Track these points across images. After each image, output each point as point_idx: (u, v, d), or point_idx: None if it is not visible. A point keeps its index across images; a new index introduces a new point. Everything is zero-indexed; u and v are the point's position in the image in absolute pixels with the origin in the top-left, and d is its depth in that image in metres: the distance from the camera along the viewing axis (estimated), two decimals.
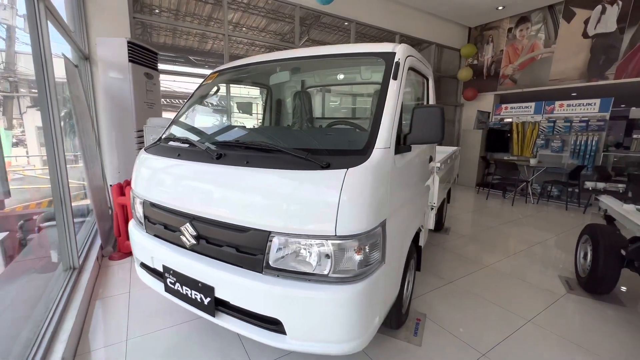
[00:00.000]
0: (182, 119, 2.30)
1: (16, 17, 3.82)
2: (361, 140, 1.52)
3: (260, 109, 3.27)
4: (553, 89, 7.29)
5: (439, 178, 2.82)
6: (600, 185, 4.13)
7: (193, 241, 1.59)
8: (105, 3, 4.20)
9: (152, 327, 2.19)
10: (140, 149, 2.22)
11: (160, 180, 1.85)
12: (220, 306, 1.54)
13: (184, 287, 1.63)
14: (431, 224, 2.87)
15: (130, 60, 3.78)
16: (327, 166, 1.36)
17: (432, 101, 2.62)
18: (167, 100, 12.17)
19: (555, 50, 7.14)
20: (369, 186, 1.37)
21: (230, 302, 1.49)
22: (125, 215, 3.23)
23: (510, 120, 7.67)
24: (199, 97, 2.40)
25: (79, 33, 4.01)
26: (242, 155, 1.57)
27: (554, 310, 2.57)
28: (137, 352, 1.96)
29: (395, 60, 1.73)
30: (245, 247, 1.47)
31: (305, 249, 1.36)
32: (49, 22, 2.40)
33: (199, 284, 1.55)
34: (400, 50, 1.80)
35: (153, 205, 1.83)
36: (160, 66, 4.57)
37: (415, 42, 8.02)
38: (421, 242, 2.47)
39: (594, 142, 6.28)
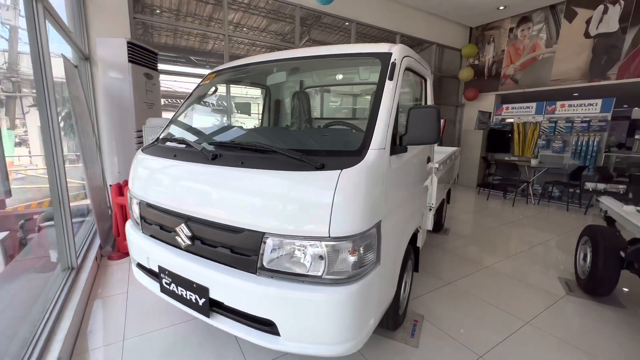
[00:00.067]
0: (179, 120, 2.31)
1: (19, 17, 3.84)
2: (356, 141, 1.52)
3: (258, 109, 3.27)
4: (554, 89, 7.25)
5: (437, 179, 2.81)
6: (601, 186, 4.10)
7: (188, 242, 1.59)
8: (105, 3, 4.21)
9: (150, 327, 2.19)
10: (140, 149, 2.22)
11: (156, 181, 1.85)
12: (214, 307, 1.54)
13: (179, 288, 1.63)
14: (429, 225, 2.86)
15: (130, 61, 3.79)
16: (322, 167, 1.36)
17: (430, 102, 2.61)
18: (169, 100, 12.20)
19: (556, 50, 7.10)
20: (363, 187, 1.36)
21: (225, 303, 1.49)
22: (124, 215, 3.24)
23: (511, 120, 7.64)
24: (197, 98, 2.40)
25: (79, 33, 4.03)
26: (237, 155, 1.57)
27: (553, 312, 2.56)
28: (134, 352, 1.96)
29: (391, 61, 1.73)
30: (239, 248, 1.46)
31: (299, 250, 1.36)
32: (48, 23, 2.42)
33: (194, 285, 1.55)
34: (396, 51, 1.80)
35: (149, 205, 1.83)
36: (162, 66, 4.58)
37: (416, 42, 8.01)
38: (419, 243, 2.46)
39: (595, 142, 6.25)
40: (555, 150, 6.88)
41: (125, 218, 3.24)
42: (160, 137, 2.17)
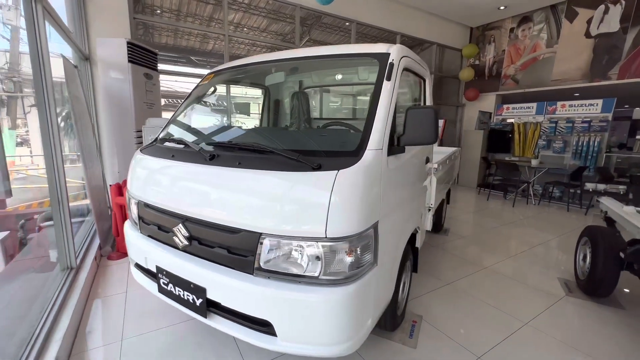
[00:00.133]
0: (177, 120, 2.31)
1: (20, 17, 3.86)
2: (354, 141, 1.51)
3: (256, 109, 3.27)
4: (555, 89, 7.23)
5: (436, 179, 2.81)
6: (601, 186, 4.09)
7: (185, 242, 1.59)
8: (105, 3, 4.22)
9: (148, 327, 2.19)
10: (138, 149, 2.22)
11: (154, 181, 1.85)
12: (212, 307, 1.54)
13: (177, 288, 1.63)
14: (428, 226, 2.86)
15: (129, 61, 3.80)
16: (319, 167, 1.36)
17: (429, 102, 2.60)
18: (170, 100, 12.22)
19: (557, 51, 7.08)
20: (360, 188, 1.36)
21: (222, 304, 1.49)
22: (124, 215, 3.24)
23: (511, 120, 7.63)
24: (195, 98, 2.41)
25: (79, 34, 4.03)
26: (235, 156, 1.57)
27: (552, 313, 2.55)
28: (132, 352, 1.97)
29: (389, 61, 1.72)
30: (236, 249, 1.46)
31: (295, 250, 1.36)
32: (48, 23, 2.42)
33: (191, 285, 1.55)
34: (394, 51, 1.79)
35: (147, 205, 1.84)
36: (162, 66, 4.59)
37: (416, 42, 8.00)
38: (418, 244, 2.46)
39: (596, 142, 6.23)
40: (556, 151, 6.87)
41: (124, 218, 3.24)
42: (159, 137, 2.18)
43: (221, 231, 1.49)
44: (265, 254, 1.39)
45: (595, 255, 2.66)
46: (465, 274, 3.15)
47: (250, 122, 3.80)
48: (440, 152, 4.13)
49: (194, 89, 2.44)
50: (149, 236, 1.86)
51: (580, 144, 6.45)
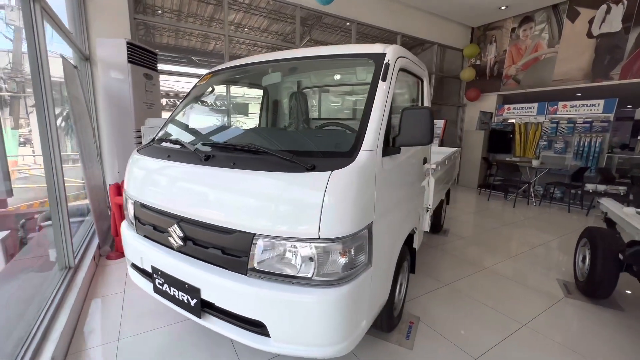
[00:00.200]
0: (175, 120, 2.31)
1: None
2: (348, 142, 1.51)
3: (254, 110, 3.27)
4: (557, 89, 7.20)
5: (434, 180, 2.80)
6: (601, 187, 4.06)
7: (180, 242, 1.59)
8: (106, 4, 4.24)
9: (145, 327, 2.20)
10: (135, 149, 2.23)
11: (150, 181, 1.85)
12: (206, 308, 1.54)
13: (172, 288, 1.64)
14: (426, 226, 2.85)
15: (129, 61, 3.81)
16: (312, 168, 1.35)
17: (426, 103, 2.59)
18: (171, 100, 12.24)
19: (559, 51, 7.05)
20: (353, 189, 1.36)
21: (216, 304, 1.49)
22: (123, 215, 3.25)
23: (512, 121, 7.60)
24: (193, 98, 2.41)
25: (80, 34, 4.05)
26: (230, 156, 1.57)
27: (551, 315, 2.53)
28: (128, 351, 1.97)
29: (384, 62, 1.72)
30: (230, 249, 1.46)
31: (289, 251, 1.35)
32: (47, 23, 2.43)
33: (186, 286, 1.56)
34: (390, 52, 1.79)
35: (143, 206, 1.84)
36: (164, 66, 4.60)
37: (417, 43, 7.98)
38: (415, 245, 2.45)
39: (597, 143, 6.19)
40: (557, 151, 6.83)
41: (123, 218, 3.25)
42: (156, 137, 2.18)
43: (215, 232, 1.49)
44: (258, 255, 1.39)
45: (594, 256, 2.64)
46: (464, 275, 3.14)
47: (248, 122, 3.80)
48: (440, 153, 4.12)
49: (191, 90, 2.44)
50: (145, 236, 1.86)
51: (581, 144, 6.41)
